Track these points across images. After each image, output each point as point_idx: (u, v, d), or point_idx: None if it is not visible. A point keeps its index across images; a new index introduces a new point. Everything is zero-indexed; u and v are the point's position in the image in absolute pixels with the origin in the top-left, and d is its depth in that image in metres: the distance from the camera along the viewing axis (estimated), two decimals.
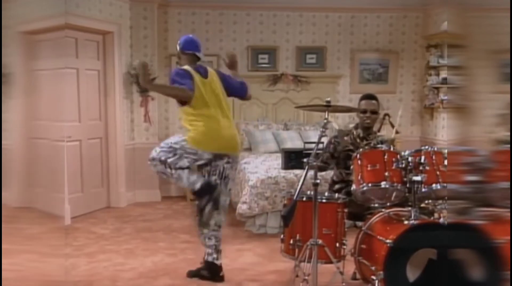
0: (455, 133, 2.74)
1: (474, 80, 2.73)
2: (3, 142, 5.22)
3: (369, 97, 3.81)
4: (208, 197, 3.34)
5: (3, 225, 4.08)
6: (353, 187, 3.17)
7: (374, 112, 3.75)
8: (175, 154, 3.33)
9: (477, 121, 2.70)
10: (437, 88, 6.64)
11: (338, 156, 3.73)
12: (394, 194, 3.12)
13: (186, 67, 3.46)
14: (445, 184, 2.96)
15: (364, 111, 3.73)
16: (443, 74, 6.49)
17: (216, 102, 3.44)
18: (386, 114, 6.70)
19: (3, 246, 3.47)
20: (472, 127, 2.72)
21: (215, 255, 3.59)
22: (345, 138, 3.76)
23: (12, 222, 4.58)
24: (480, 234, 2.80)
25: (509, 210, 2.96)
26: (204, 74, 3.48)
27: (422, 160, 3.00)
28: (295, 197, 2.89)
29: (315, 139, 3.09)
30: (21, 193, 5.36)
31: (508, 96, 2.79)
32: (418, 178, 2.97)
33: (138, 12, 6.17)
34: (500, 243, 2.81)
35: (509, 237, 2.83)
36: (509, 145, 3.01)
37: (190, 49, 3.54)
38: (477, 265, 2.83)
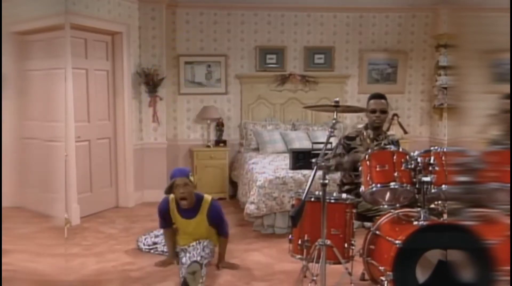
0: (448, 133, 2.75)
1: (466, 80, 2.72)
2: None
3: (378, 96, 3.77)
4: None
5: None
6: (362, 188, 3.15)
7: (384, 112, 3.71)
8: None
9: (468, 122, 2.68)
10: (446, 88, 6.59)
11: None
12: (403, 195, 3.11)
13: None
14: None
15: (374, 111, 3.69)
16: None
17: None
18: (395, 114, 6.74)
19: None
20: (463, 128, 2.71)
21: None
22: (356, 139, 3.74)
23: (3, 222, 4.57)
24: (473, 235, 2.78)
25: (499, 210, 2.95)
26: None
27: (432, 161, 2.98)
28: (303, 197, 2.88)
29: (323, 139, 3.08)
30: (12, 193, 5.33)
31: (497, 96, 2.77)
32: (427, 178, 2.95)
33: (146, 12, 6.19)
34: (492, 243, 2.79)
35: (500, 238, 2.82)
36: (499, 146, 3.00)
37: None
38: (470, 265, 2.80)
